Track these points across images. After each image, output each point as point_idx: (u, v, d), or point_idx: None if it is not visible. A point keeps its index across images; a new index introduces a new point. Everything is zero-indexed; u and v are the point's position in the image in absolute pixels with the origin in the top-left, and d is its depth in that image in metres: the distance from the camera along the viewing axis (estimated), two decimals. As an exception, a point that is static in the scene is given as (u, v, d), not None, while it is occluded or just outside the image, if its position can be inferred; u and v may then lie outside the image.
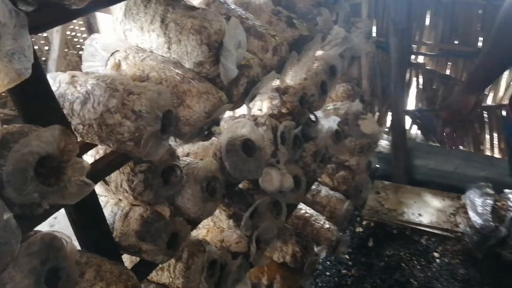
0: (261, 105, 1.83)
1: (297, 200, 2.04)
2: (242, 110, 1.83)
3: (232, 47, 1.22)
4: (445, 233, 2.77)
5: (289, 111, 1.79)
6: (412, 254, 2.69)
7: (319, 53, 2.04)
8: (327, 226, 2.34)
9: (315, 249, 2.24)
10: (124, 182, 1.27)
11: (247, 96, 1.40)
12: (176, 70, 1.25)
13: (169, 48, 1.27)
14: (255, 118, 1.72)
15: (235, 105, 1.42)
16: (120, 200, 1.35)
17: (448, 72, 2.76)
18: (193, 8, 1.27)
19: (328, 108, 2.45)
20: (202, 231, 1.86)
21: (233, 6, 1.56)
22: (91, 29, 3.66)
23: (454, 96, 1.68)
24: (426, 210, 2.92)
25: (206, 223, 1.84)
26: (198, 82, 1.24)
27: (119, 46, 1.36)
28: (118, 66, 1.30)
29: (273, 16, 1.64)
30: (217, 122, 1.31)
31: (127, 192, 1.29)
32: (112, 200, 1.38)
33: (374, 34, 2.81)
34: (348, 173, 2.61)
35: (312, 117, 2.20)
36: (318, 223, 2.34)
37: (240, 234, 1.76)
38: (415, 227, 2.85)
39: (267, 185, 1.77)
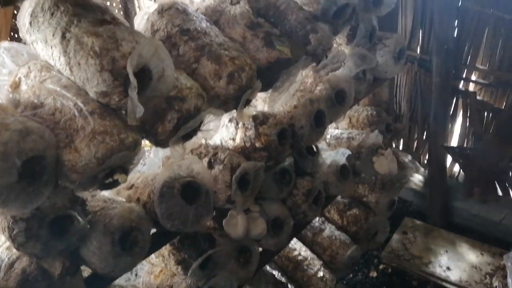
0: (235, 134, 1.52)
1: (277, 246, 1.72)
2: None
3: (133, 76, 0.92)
4: (474, 297, 2.31)
5: (263, 146, 1.46)
6: (429, 316, 2.27)
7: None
8: (321, 274, 1.99)
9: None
10: (6, 228, 1.05)
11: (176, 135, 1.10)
12: (76, 100, 0.98)
13: (71, 71, 1.00)
14: (215, 153, 1.42)
15: (162, 146, 1.13)
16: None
17: (503, 106, 2.24)
18: (103, 22, 0.99)
19: (341, 136, 2.07)
20: (155, 269, 1.62)
21: (194, 16, 1.26)
22: (128, 15, 3.51)
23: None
24: (457, 264, 2.46)
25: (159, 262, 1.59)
26: (97, 118, 0.96)
27: (31, 60, 1.12)
28: (17, 85, 1.06)
29: (249, 30, 1.32)
30: (124, 169, 1.03)
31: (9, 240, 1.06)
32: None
33: (418, 51, 2.37)
34: (362, 212, 2.23)
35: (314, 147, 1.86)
36: (311, 269, 2.01)
37: (190, 284, 1.49)
38: (439, 282, 2.40)
39: (230, 230, 1.47)
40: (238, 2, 1.34)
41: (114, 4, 3.81)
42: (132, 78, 0.92)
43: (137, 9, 3.63)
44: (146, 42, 0.97)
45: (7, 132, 0.85)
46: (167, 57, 1.00)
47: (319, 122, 1.62)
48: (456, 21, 2.19)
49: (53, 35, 1.01)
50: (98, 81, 0.95)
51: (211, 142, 1.54)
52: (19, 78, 1.07)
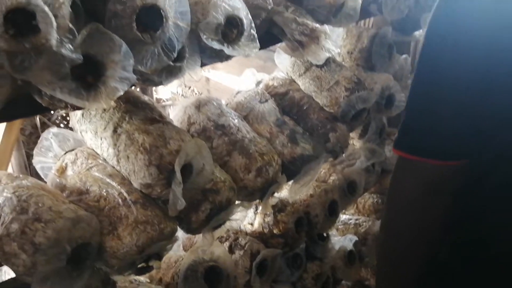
0: (253, 219, 1.59)
1: (285, 331, 1.74)
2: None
3: (179, 174, 1.01)
4: None
5: (281, 233, 1.54)
6: None
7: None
8: None
9: None
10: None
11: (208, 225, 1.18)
12: (121, 189, 1.06)
13: (118, 162, 1.09)
14: (235, 238, 1.49)
15: (194, 234, 1.20)
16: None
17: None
18: (153, 120, 1.10)
19: (349, 222, 2.15)
20: None
21: (227, 112, 1.37)
22: (145, 91, 3.68)
23: None
24: None
25: None
26: (140, 208, 1.04)
27: (76, 145, 1.21)
28: (63, 170, 1.14)
29: (275, 127, 1.43)
30: (159, 256, 1.10)
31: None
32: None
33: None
34: (365, 297, 2.26)
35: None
36: None
37: None
38: None
39: (242, 314, 1.51)
40: (266, 101, 1.46)
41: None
42: (178, 175, 1.01)
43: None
44: (191, 141, 1.08)
45: (61, 220, 0.93)
46: (208, 155, 1.10)
47: (332, 211, 1.70)
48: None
49: (105, 128, 1.11)
50: (145, 174, 1.04)
51: (230, 225, 1.61)
52: (66, 164, 1.16)
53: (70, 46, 0.74)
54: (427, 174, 0.84)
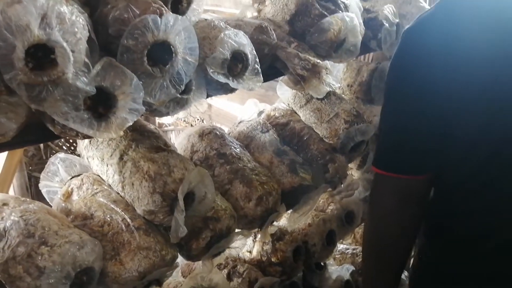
0: (252, 247, 1.61)
1: None
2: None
3: (182, 202, 1.04)
4: None
5: (279, 261, 1.55)
6: None
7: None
8: None
9: None
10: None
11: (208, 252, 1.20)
12: (124, 215, 1.09)
13: (123, 188, 1.12)
14: (234, 266, 1.50)
15: (193, 261, 1.22)
16: None
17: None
18: (158, 148, 1.13)
19: (346, 251, 2.16)
20: None
21: (230, 141, 1.41)
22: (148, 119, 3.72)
23: None
24: None
25: None
26: (142, 234, 1.07)
27: (82, 171, 1.24)
28: (69, 195, 1.17)
29: (275, 157, 1.46)
30: (159, 282, 1.12)
31: None
32: None
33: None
34: (362, 329, 2.25)
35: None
36: None
37: None
38: None
39: None
40: (267, 131, 1.50)
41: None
42: (181, 203, 1.04)
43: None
44: (195, 170, 1.11)
45: (67, 244, 0.95)
46: (210, 183, 1.13)
47: (330, 240, 1.72)
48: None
49: (111, 155, 1.15)
50: (149, 201, 1.07)
51: (228, 252, 1.63)
52: (72, 189, 1.19)
53: (85, 79, 0.78)
54: (399, 186, 1.00)
